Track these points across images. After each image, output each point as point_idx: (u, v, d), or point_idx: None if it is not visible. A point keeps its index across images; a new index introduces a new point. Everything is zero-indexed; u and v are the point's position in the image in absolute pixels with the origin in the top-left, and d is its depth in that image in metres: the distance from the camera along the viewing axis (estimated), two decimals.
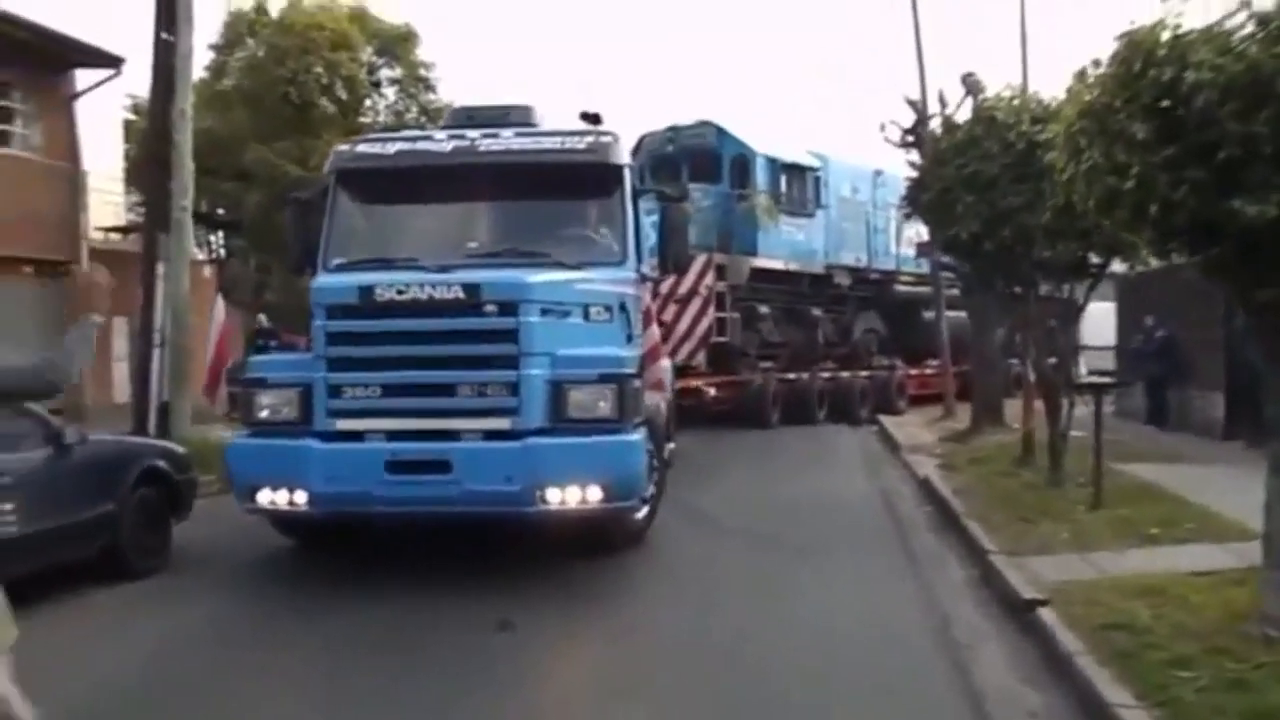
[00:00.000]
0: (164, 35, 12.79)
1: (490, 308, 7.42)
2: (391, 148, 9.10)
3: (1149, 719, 4.56)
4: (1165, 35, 4.87)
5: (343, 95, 20.99)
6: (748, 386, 18.00)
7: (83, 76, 17.74)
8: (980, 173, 9.36)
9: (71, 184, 17.49)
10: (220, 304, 12.08)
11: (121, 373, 19.07)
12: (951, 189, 9.67)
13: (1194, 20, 4.81)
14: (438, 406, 7.43)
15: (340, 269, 8.39)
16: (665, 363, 11.27)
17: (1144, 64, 4.81)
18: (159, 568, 7.78)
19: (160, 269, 12.73)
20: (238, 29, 22.49)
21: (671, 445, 10.68)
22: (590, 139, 8.81)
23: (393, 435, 7.41)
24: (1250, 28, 4.51)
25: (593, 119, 9.25)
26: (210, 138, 14.21)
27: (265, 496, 7.53)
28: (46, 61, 16.80)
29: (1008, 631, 6.37)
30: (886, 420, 18.72)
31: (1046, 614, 6.14)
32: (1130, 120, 4.78)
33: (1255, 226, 4.50)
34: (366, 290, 7.47)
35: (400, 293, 7.37)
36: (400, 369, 7.41)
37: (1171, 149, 4.63)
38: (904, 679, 5.59)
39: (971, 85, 13.12)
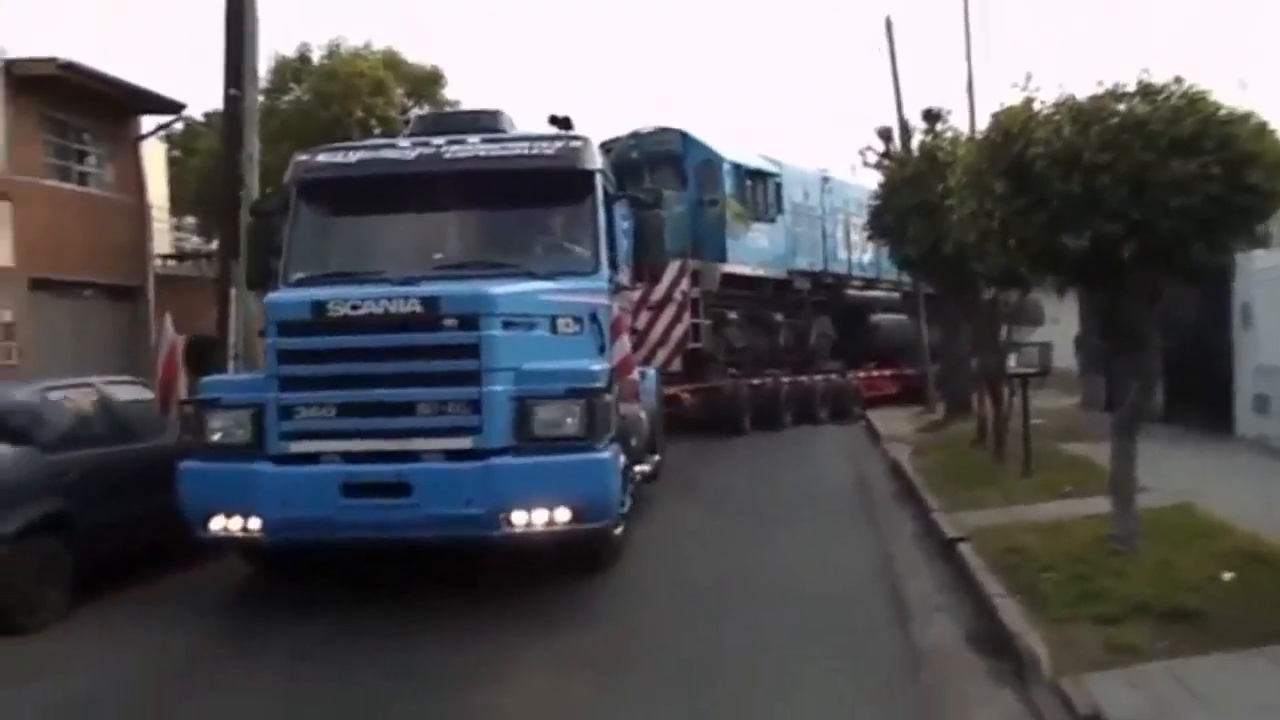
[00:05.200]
0: (232, 90, 14.75)
1: (450, 321, 7.02)
2: (354, 156, 8.73)
3: (1014, 603, 6.40)
4: (1022, 117, 6.79)
5: (377, 133, 23.10)
6: (720, 392, 17.90)
7: (147, 120, 19.92)
8: (926, 201, 11.25)
9: (138, 217, 19.55)
10: (169, 321, 11.56)
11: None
12: (903, 215, 11.57)
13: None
14: (396, 426, 6.99)
15: (301, 283, 8.00)
16: (650, 372, 11.69)
17: (1004, 138, 6.75)
18: None
19: (233, 293, 14.65)
20: (284, 75, 24.84)
21: (657, 458, 10.75)
22: (560, 144, 8.52)
23: (349, 457, 7.01)
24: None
25: (563, 123, 9.06)
26: (259, 169, 16.13)
27: (219, 523, 7.18)
28: (118, 108, 18.87)
29: (936, 563, 8.30)
30: (872, 415, 20.49)
31: (964, 548, 8.05)
32: (994, 179, 6.71)
33: (1078, 255, 6.40)
34: (320, 306, 7.06)
35: (355, 308, 6.98)
36: (356, 387, 7.01)
37: (1021, 200, 6.54)
38: (851, 595, 7.48)
39: (932, 121, 15.04)
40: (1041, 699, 5.12)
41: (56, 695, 5.93)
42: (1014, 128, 6.66)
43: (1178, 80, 6.44)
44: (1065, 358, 18.85)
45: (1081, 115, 6.35)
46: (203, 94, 46.62)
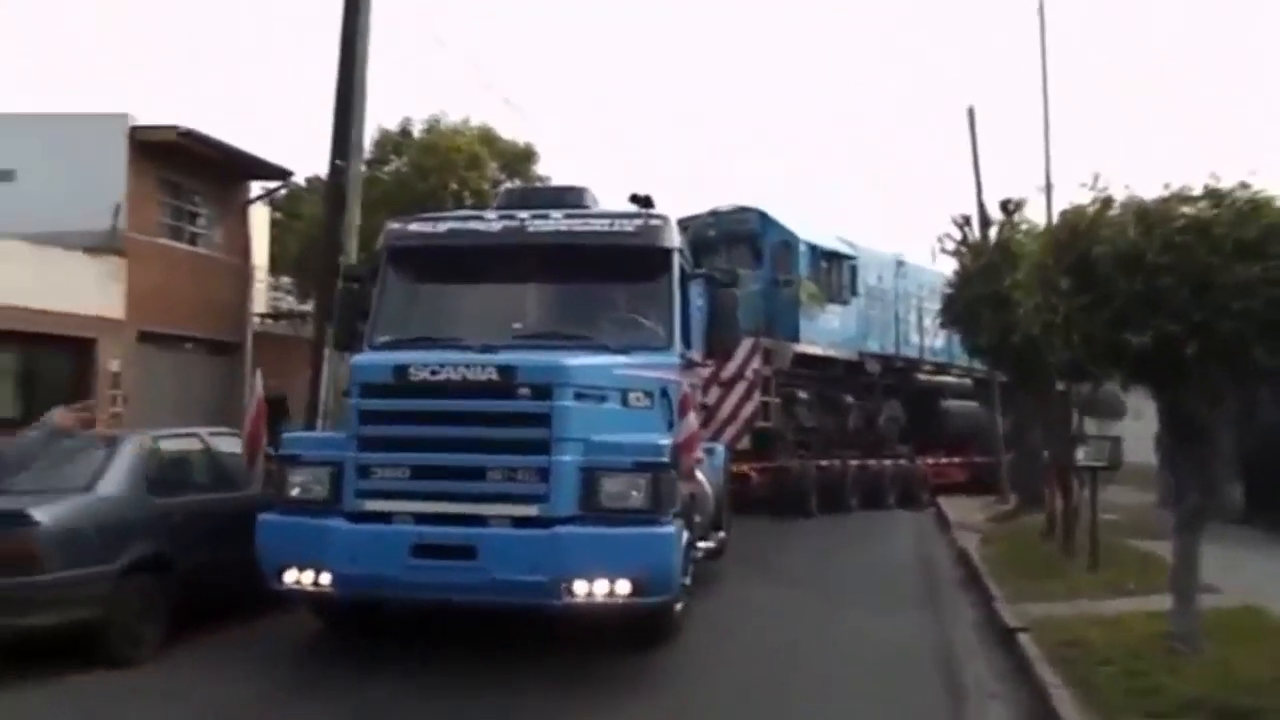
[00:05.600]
0: (337, 161, 15.53)
1: (524, 390, 7.25)
2: (442, 226, 9.11)
3: (1069, 695, 6.47)
4: (1089, 216, 7.01)
5: (469, 205, 24.07)
6: (788, 472, 17.82)
7: (254, 184, 21.04)
8: (997, 292, 11.41)
9: (241, 277, 20.60)
10: (259, 378, 11.70)
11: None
12: (974, 305, 11.74)
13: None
14: (466, 490, 7.23)
15: (385, 347, 8.33)
16: (718, 448, 11.83)
17: (1070, 235, 6.98)
18: None
19: (326, 353, 15.27)
20: (386, 147, 26.18)
21: (722, 534, 10.84)
22: (639, 221, 8.74)
23: (421, 518, 7.24)
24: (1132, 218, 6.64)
25: (643, 201, 9.24)
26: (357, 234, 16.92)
27: (291, 576, 7.40)
28: (229, 173, 20.02)
29: (995, 650, 8.33)
30: (943, 503, 20.32)
31: (1024, 637, 8.06)
32: (1060, 275, 6.91)
33: (1140, 352, 6.55)
34: (401, 369, 7.41)
35: (434, 373, 7.31)
36: (430, 450, 7.28)
37: (1085, 297, 6.73)
38: (910, 677, 7.59)
39: (1009, 211, 15.22)
40: None
41: None
42: (1081, 225, 6.89)
43: (1243, 185, 6.62)
44: (1146, 453, 18.57)
45: (1147, 217, 6.56)
46: (306, 159, 48.79)
